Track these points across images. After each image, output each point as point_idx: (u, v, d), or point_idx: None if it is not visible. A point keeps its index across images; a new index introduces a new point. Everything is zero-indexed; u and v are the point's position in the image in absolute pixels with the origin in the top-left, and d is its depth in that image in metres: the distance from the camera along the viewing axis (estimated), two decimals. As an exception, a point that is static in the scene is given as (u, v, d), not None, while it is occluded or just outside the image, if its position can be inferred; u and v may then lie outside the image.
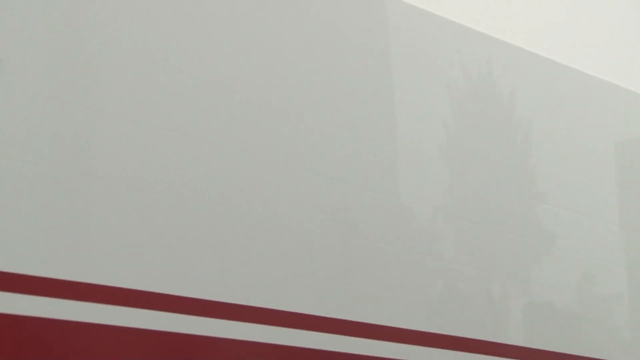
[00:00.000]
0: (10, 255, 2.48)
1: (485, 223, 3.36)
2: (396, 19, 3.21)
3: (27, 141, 2.56)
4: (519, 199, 3.43)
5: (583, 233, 3.54)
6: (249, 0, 3.12)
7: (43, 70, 2.63)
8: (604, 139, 3.65)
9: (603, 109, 3.72)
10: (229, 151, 2.92)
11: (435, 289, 3.22)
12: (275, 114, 3.04)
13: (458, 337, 3.28)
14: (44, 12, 2.66)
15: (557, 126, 3.54)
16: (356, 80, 3.11)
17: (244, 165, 2.94)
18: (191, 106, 2.88)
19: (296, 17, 3.03)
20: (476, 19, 3.57)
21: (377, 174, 3.11)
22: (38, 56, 2.61)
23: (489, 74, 3.39)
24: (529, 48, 3.63)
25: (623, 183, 3.72)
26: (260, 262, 2.93)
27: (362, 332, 3.07)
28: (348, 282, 3.05)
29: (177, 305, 2.74)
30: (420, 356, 3.21)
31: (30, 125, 2.57)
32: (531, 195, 3.43)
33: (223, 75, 2.97)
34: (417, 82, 3.25)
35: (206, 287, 2.81)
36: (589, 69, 3.78)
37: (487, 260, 3.35)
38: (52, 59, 2.65)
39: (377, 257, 3.14)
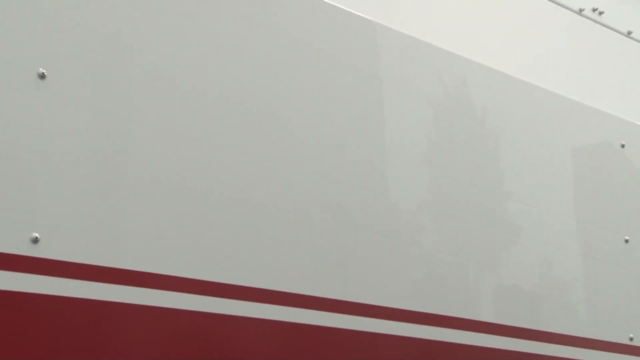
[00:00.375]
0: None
1: (460, 217, 3.49)
2: (387, 44, 3.38)
3: (68, 147, 2.65)
4: (489, 197, 3.56)
5: (543, 225, 3.68)
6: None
7: (83, 83, 2.71)
8: (562, 146, 3.79)
9: (562, 121, 3.85)
10: (246, 156, 3.04)
11: (417, 273, 3.34)
12: (292, 132, 3.16)
13: (437, 315, 3.38)
14: (85, 30, 2.74)
15: (521, 136, 3.68)
16: (351, 101, 3.25)
17: (262, 169, 3.07)
18: (217, 119, 2.98)
19: (296, 45, 3.15)
20: (453, 42, 3.68)
21: (369, 177, 3.26)
22: (78, 70, 2.70)
23: (465, 91, 3.53)
24: (499, 68, 3.77)
25: (577, 183, 3.85)
26: (271, 252, 3.05)
27: (355, 311, 3.19)
28: (345, 268, 3.17)
29: (205, 288, 2.87)
30: (406, 330, 3.30)
31: (71, 133, 2.66)
32: (499, 193, 3.58)
33: (248, 94, 3.06)
34: (404, 97, 3.39)
35: (229, 273, 2.92)
36: (550, 86, 3.93)
37: (462, 248, 3.47)
38: (91, 73, 2.74)
39: (368, 246, 3.25)
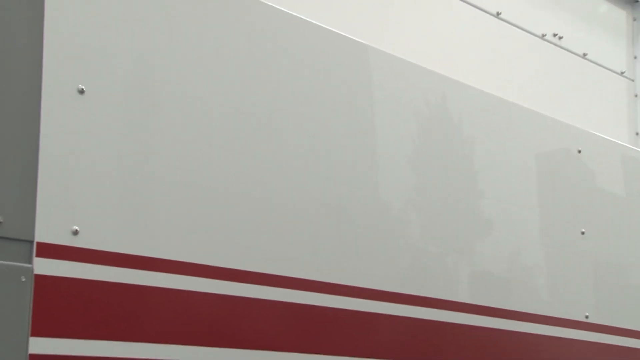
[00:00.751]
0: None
1: (441, 213, 3.49)
2: (373, 63, 3.38)
3: (102, 152, 2.65)
4: (466, 196, 3.59)
5: (512, 220, 3.70)
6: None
7: (114, 97, 2.71)
8: (528, 152, 3.83)
9: (529, 130, 3.90)
10: (258, 163, 3.03)
11: (404, 261, 3.34)
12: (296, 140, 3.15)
13: (420, 296, 3.38)
14: (116, 54, 2.73)
15: (494, 143, 3.71)
16: (345, 116, 3.28)
17: (272, 174, 3.07)
18: (231, 129, 2.97)
19: (296, 67, 3.17)
20: (434, 63, 3.70)
21: (367, 180, 3.28)
22: (110, 87, 2.69)
23: (445, 105, 3.55)
24: (472, 84, 3.76)
25: (541, 183, 3.87)
26: (280, 244, 3.05)
27: (349, 293, 3.19)
28: (341, 257, 3.17)
29: (222, 274, 2.87)
30: (394, 310, 3.30)
31: (104, 140, 2.66)
32: (474, 193, 3.60)
33: (255, 106, 3.05)
34: (390, 112, 3.40)
35: (242, 259, 2.92)
36: (519, 101, 3.97)
37: (442, 239, 3.47)
38: (121, 89, 2.73)
39: (361, 238, 3.24)
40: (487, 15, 4.62)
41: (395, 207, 3.42)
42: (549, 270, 3.93)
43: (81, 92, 2.64)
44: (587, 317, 3.97)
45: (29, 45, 2.58)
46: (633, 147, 4.98)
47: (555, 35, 5.00)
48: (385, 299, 3.32)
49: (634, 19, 5.52)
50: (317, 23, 3.33)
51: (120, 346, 2.63)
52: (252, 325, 2.94)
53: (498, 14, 4.66)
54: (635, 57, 5.53)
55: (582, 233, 4.06)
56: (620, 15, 5.51)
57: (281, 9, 3.23)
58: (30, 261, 2.50)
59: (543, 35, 4.92)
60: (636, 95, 5.46)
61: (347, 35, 3.41)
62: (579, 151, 4.12)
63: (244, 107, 3.04)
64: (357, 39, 3.43)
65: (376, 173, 3.39)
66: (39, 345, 2.47)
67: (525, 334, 3.76)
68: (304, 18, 3.29)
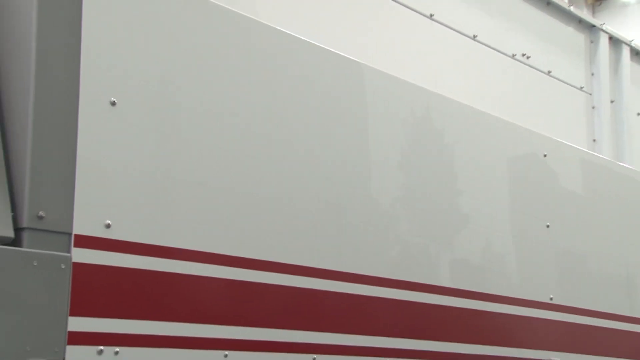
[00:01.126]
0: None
1: (425, 210, 3.49)
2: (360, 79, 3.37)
3: (131, 156, 2.65)
4: (447, 194, 3.59)
5: (486, 215, 3.71)
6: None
7: (142, 108, 2.70)
8: (501, 156, 3.86)
9: (501, 137, 3.92)
10: (269, 166, 3.03)
11: (391, 251, 3.34)
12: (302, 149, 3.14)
13: (405, 281, 3.38)
14: (144, 69, 2.72)
15: (471, 149, 3.72)
16: (337, 127, 3.28)
17: (281, 175, 3.06)
18: (246, 136, 2.96)
19: (296, 84, 3.17)
20: (417, 78, 3.69)
21: (357, 180, 3.27)
22: (138, 99, 2.69)
23: (427, 117, 3.55)
24: (453, 97, 3.77)
25: (511, 183, 3.89)
26: (287, 237, 3.04)
27: (346, 278, 3.18)
28: (339, 248, 3.16)
29: (231, 261, 2.86)
30: (383, 293, 3.29)
31: (133, 146, 2.65)
32: (454, 192, 3.60)
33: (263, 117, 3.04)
34: (382, 121, 3.41)
35: (248, 249, 2.91)
36: (493, 112, 3.99)
37: (424, 231, 3.47)
38: (148, 101, 2.72)
39: (356, 232, 3.24)
40: (465, 37, 4.62)
41: (384, 205, 3.41)
42: (519, 258, 3.94)
43: (113, 104, 2.63)
44: (551, 298, 3.98)
45: (69, 64, 2.57)
46: (591, 152, 5.01)
47: (524, 55, 5.01)
48: (377, 283, 3.32)
49: (591, 42, 5.55)
50: (318, 44, 3.32)
51: (144, 324, 2.63)
52: (257, 306, 2.94)
53: (475, 36, 4.67)
54: (592, 74, 5.55)
55: (547, 226, 4.06)
56: (580, 39, 5.54)
57: (289, 32, 3.23)
58: (68, 251, 2.50)
59: (513, 55, 4.94)
60: (593, 107, 5.48)
61: (345, 55, 3.41)
62: (545, 155, 4.12)
63: (253, 116, 3.04)
64: (353, 58, 3.43)
65: (369, 175, 3.40)
66: (76, 323, 2.47)
67: (497, 313, 3.77)
68: (306, 40, 3.28)
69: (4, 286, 2.31)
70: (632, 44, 5.76)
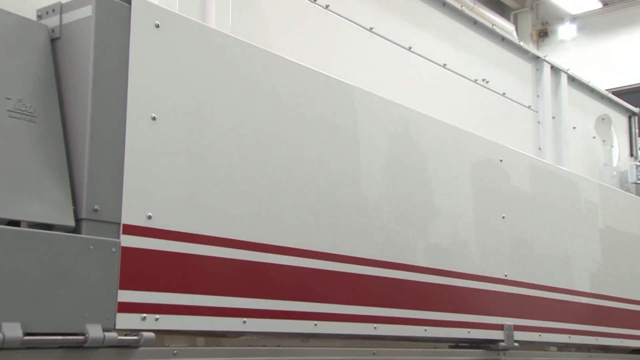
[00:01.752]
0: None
1: (404, 203, 3.45)
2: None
3: (167, 163, 2.63)
4: (422, 191, 3.55)
5: (453, 208, 3.67)
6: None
7: (180, 123, 2.68)
8: (465, 161, 3.82)
9: (465, 146, 3.86)
10: (280, 169, 2.98)
11: (377, 238, 3.31)
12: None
13: (388, 261, 3.36)
14: (182, 89, 2.70)
15: (442, 157, 3.68)
16: (334, 138, 3.22)
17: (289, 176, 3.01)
18: (261, 148, 2.92)
19: (298, 107, 3.12)
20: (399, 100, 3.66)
21: (347, 182, 3.23)
22: (176, 115, 2.66)
23: (406, 131, 3.51)
24: (427, 114, 3.73)
25: (473, 182, 3.86)
26: (288, 223, 3.00)
27: (340, 259, 3.15)
28: (332, 235, 3.12)
29: (248, 246, 2.84)
30: (370, 271, 3.26)
31: (170, 154, 2.64)
32: (427, 189, 3.57)
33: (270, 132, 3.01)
34: (368, 133, 3.35)
35: (263, 236, 2.88)
36: (459, 125, 3.94)
37: (404, 222, 3.44)
38: (186, 117, 2.70)
39: (346, 221, 3.20)
40: (436, 65, 4.61)
41: (371, 201, 3.39)
42: (480, 243, 3.92)
43: (153, 118, 2.62)
44: (505, 275, 3.98)
45: (119, 86, 2.55)
46: (537, 158, 5.01)
47: (483, 80, 5.00)
48: (365, 264, 3.29)
49: (537, 70, 5.57)
50: (317, 70, 3.29)
51: (178, 296, 2.62)
52: (269, 281, 2.92)
53: (444, 65, 4.65)
54: (538, 96, 5.56)
55: (503, 217, 4.06)
56: (528, 67, 5.56)
57: (294, 60, 3.19)
58: (118, 237, 2.48)
59: (475, 80, 4.93)
60: (538, 122, 5.50)
61: (339, 79, 3.37)
62: (501, 160, 4.11)
63: (265, 127, 3.02)
64: (347, 82, 3.39)
65: (359, 176, 3.37)
66: (124, 295, 2.46)
67: (463, 287, 3.76)
68: (306, 66, 3.25)
69: (66, 265, 2.29)
70: (569, 72, 5.78)
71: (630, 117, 6.43)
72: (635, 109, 6.50)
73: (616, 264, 5.02)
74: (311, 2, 3.76)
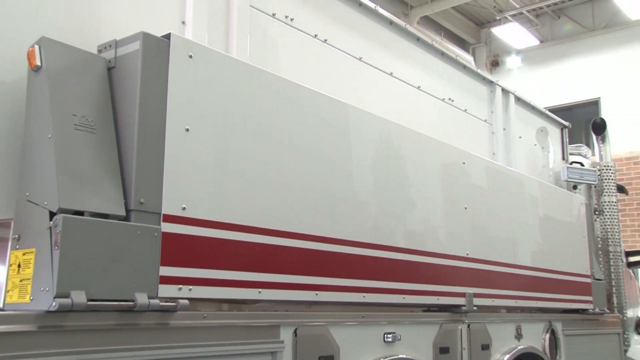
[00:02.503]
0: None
1: (387, 197, 3.39)
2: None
3: (198, 166, 2.59)
4: (401, 188, 3.46)
5: (425, 201, 3.58)
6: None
7: (209, 133, 2.64)
8: (435, 164, 3.65)
9: (435, 152, 3.76)
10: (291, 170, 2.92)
11: (365, 225, 3.24)
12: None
13: (374, 243, 3.31)
14: (211, 105, 2.64)
15: (416, 158, 3.54)
16: (332, 146, 3.13)
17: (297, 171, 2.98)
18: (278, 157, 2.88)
19: (303, 121, 3.04)
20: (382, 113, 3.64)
21: (342, 180, 3.16)
22: (206, 127, 2.62)
23: (391, 139, 3.43)
24: (406, 126, 3.67)
25: (442, 181, 3.72)
26: (292, 212, 2.96)
27: (333, 242, 3.11)
28: (329, 222, 3.07)
29: (264, 231, 2.81)
30: (361, 252, 3.22)
31: (201, 159, 2.60)
32: (406, 186, 3.45)
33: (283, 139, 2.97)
34: (359, 143, 3.24)
35: (273, 222, 2.84)
36: (432, 135, 3.87)
37: (387, 212, 3.37)
38: (214, 128, 2.66)
39: (340, 211, 3.16)
40: (412, 87, 4.56)
41: (361, 196, 3.33)
42: (447, 228, 3.86)
43: (187, 130, 2.59)
44: (467, 254, 3.94)
45: (160, 104, 2.53)
46: (491, 161, 4.93)
47: (449, 99, 4.95)
48: (356, 245, 3.25)
49: (491, 91, 5.53)
50: (321, 92, 3.24)
51: (207, 271, 2.59)
52: (278, 260, 2.87)
53: (419, 87, 4.61)
54: (492, 112, 5.49)
55: (465, 208, 4.02)
56: (484, 89, 5.51)
57: (301, 84, 3.14)
58: (159, 224, 2.45)
59: (443, 99, 4.87)
60: (493, 133, 5.44)
61: (335, 97, 3.32)
62: (464, 163, 4.06)
63: (276, 135, 2.98)
64: (340, 100, 3.34)
65: (352, 177, 3.32)
66: (164, 270, 2.44)
67: (433, 264, 3.70)
68: (311, 88, 3.20)
69: (119, 246, 2.29)
70: (515, 93, 5.75)
71: (562, 129, 6.47)
72: (566, 123, 6.50)
73: (551, 244, 5.01)
74: (312, 37, 3.72)
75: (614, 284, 6.32)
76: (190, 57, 2.61)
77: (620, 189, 7.13)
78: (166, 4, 3.06)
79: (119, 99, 2.51)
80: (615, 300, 6.28)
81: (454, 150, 4.05)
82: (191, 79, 2.62)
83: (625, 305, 6.37)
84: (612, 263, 6.39)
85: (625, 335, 6.24)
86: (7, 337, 1.97)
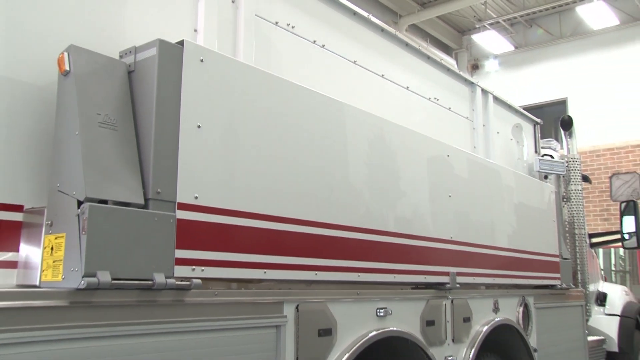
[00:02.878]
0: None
1: (380, 186, 3.36)
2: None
3: (209, 159, 2.56)
4: (391, 177, 3.40)
5: (415, 189, 3.54)
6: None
7: (219, 130, 2.60)
8: (423, 156, 3.62)
9: (422, 145, 3.71)
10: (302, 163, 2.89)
11: (358, 211, 3.21)
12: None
13: (368, 228, 3.29)
14: (220, 104, 2.62)
15: (406, 150, 3.48)
16: (331, 139, 3.08)
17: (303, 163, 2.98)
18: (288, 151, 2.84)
19: (305, 118, 2.98)
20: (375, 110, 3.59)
21: (340, 172, 3.11)
22: (215, 124, 2.58)
23: (382, 134, 3.38)
24: (396, 123, 3.62)
25: (429, 171, 3.65)
26: (304, 203, 2.93)
27: (330, 227, 3.09)
28: (327, 209, 3.04)
29: (269, 218, 2.77)
30: (355, 235, 3.20)
31: (211, 153, 2.57)
32: (396, 175, 3.40)
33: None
34: (351, 137, 3.22)
35: (278, 210, 2.82)
36: (418, 130, 3.80)
37: (379, 199, 3.33)
38: (223, 125, 2.62)
39: (336, 200, 3.12)
40: (402, 87, 4.52)
41: (356, 185, 3.29)
42: (433, 214, 3.82)
43: (199, 127, 2.57)
44: (451, 237, 3.91)
45: (174, 104, 2.51)
46: (472, 154, 4.87)
47: (435, 98, 4.91)
48: (351, 230, 3.22)
49: (472, 91, 5.47)
50: (318, 92, 3.20)
51: (217, 254, 2.57)
52: (281, 243, 2.85)
53: (407, 87, 4.56)
54: (473, 110, 5.44)
55: (449, 196, 3.98)
56: (465, 90, 5.45)
57: (301, 84, 3.09)
58: (174, 212, 2.43)
59: (429, 98, 4.83)
60: (473, 129, 5.38)
61: (331, 97, 3.27)
62: (448, 155, 4.02)
63: (280, 130, 2.94)
64: (336, 99, 3.30)
65: (348, 168, 3.28)
66: (179, 253, 2.43)
67: (421, 246, 3.67)
68: (310, 88, 3.16)
69: (139, 231, 2.29)
70: (493, 93, 5.70)
71: (535, 126, 6.44)
72: (538, 120, 6.48)
73: (524, 228, 4.99)
74: (311, 42, 3.68)
75: (578, 262, 6.38)
76: (202, 61, 2.59)
77: (585, 179, 7.19)
78: (180, 14, 3.04)
79: (138, 99, 2.49)
80: (579, 276, 6.39)
81: (439, 144, 4.01)
82: (202, 80, 2.59)
83: (588, 281, 6.48)
84: (577, 244, 6.46)
85: (587, 307, 6.34)
86: (43, 311, 2.01)
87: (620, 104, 14.08)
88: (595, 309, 6.51)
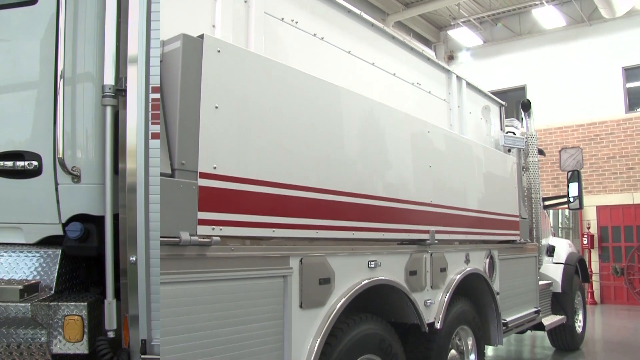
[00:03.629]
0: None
1: (372, 158, 3.29)
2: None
3: (226, 135, 2.49)
4: (383, 150, 3.32)
5: (402, 160, 3.44)
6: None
7: (234, 110, 2.52)
8: (407, 133, 3.47)
9: (408, 124, 3.60)
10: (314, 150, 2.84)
11: (354, 177, 3.14)
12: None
13: (362, 193, 3.22)
14: (235, 88, 2.54)
15: (394, 128, 3.36)
16: (335, 121, 3.00)
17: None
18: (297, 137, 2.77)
19: (313, 106, 2.92)
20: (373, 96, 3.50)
21: (340, 149, 3.02)
22: (231, 105, 2.51)
23: (375, 115, 3.29)
24: (387, 104, 3.56)
25: (412, 144, 3.56)
26: (312, 176, 2.87)
27: (329, 192, 3.03)
28: (327, 176, 2.97)
29: (276, 185, 2.71)
30: (351, 200, 3.15)
31: (227, 130, 2.49)
32: (387, 148, 3.34)
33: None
34: (350, 117, 3.11)
35: (287, 177, 2.75)
36: (406, 111, 3.72)
37: (372, 169, 3.27)
38: (238, 106, 2.54)
39: (335, 168, 3.06)
40: (389, 74, 4.40)
41: (351, 156, 3.23)
42: (416, 181, 3.76)
43: (216, 108, 2.50)
44: (431, 201, 3.87)
45: (195, 89, 2.45)
46: (449, 130, 4.80)
47: (418, 83, 4.79)
48: (347, 195, 3.16)
49: (448, 78, 5.34)
50: (319, 77, 3.11)
51: (233, 215, 2.53)
52: (287, 206, 2.80)
53: (394, 74, 4.45)
54: (449, 93, 5.31)
55: (430, 166, 3.92)
56: (443, 76, 5.30)
57: (307, 72, 3.00)
58: (196, 180, 2.39)
59: (413, 83, 4.72)
60: (450, 109, 5.27)
61: (331, 82, 3.17)
62: (429, 132, 3.96)
63: (286, 113, 2.85)
64: (335, 84, 3.21)
65: (344, 143, 3.20)
66: (201, 215, 2.40)
67: (405, 209, 3.62)
68: (312, 74, 3.06)
69: (168, 197, 2.29)
70: (466, 79, 5.58)
71: (500, 107, 6.39)
72: (503, 102, 6.42)
73: (491, 193, 4.94)
74: (312, 35, 3.57)
75: (534, 221, 6.53)
76: (219, 52, 2.52)
77: (540, 152, 7.37)
78: (200, 12, 2.97)
79: (166, 85, 2.44)
80: (534, 233, 6.49)
81: (420, 122, 3.92)
82: (219, 68, 2.52)
83: (541, 236, 6.60)
84: (533, 206, 6.60)
85: (540, 258, 6.47)
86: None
87: (568, 90, 14.54)
88: (546, 259, 6.75)
